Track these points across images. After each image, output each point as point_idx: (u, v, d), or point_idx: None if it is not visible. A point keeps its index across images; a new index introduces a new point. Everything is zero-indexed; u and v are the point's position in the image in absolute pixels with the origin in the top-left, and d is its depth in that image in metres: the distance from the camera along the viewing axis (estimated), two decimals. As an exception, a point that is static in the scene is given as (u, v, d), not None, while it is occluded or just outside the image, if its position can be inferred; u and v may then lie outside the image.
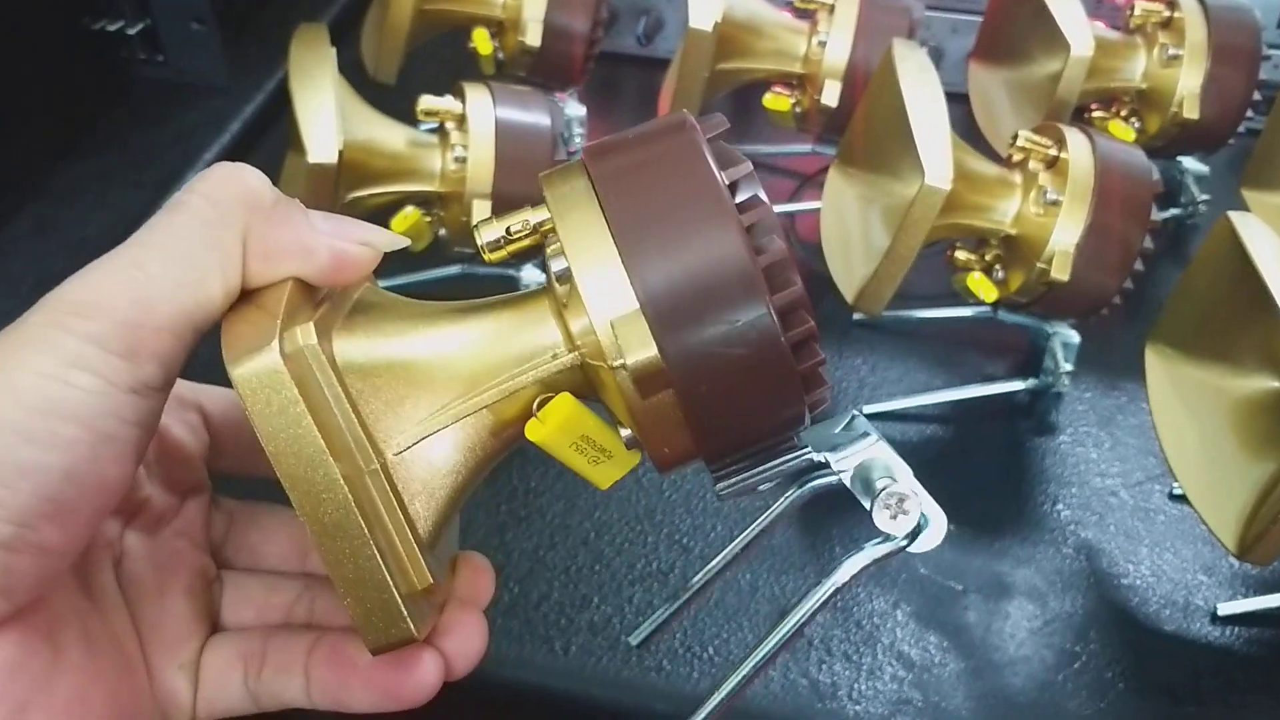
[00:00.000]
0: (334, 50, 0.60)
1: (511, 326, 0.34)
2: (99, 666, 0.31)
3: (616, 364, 0.32)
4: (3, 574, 0.27)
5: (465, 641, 0.34)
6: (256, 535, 0.38)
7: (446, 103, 0.62)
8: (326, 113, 0.57)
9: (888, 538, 0.40)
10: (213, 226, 0.31)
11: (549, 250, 0.33)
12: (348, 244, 0.33)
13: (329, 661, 0.34)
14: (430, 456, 0.33)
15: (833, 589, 0.40)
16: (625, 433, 0.34)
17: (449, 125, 0.62)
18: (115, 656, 0.32)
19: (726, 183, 0.32)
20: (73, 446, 0.28)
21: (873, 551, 0.40)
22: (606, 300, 0.32)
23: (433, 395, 0.33)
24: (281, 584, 0.37)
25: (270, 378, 0.29)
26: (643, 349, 0.32)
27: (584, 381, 0.34)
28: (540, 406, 0.34)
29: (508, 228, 0.34)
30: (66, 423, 0.27)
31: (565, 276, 0.32)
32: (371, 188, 0.61)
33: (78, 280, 0.29)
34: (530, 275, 0.66)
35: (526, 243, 0.34)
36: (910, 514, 0.40)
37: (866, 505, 0.41)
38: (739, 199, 0.32)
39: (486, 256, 0.34)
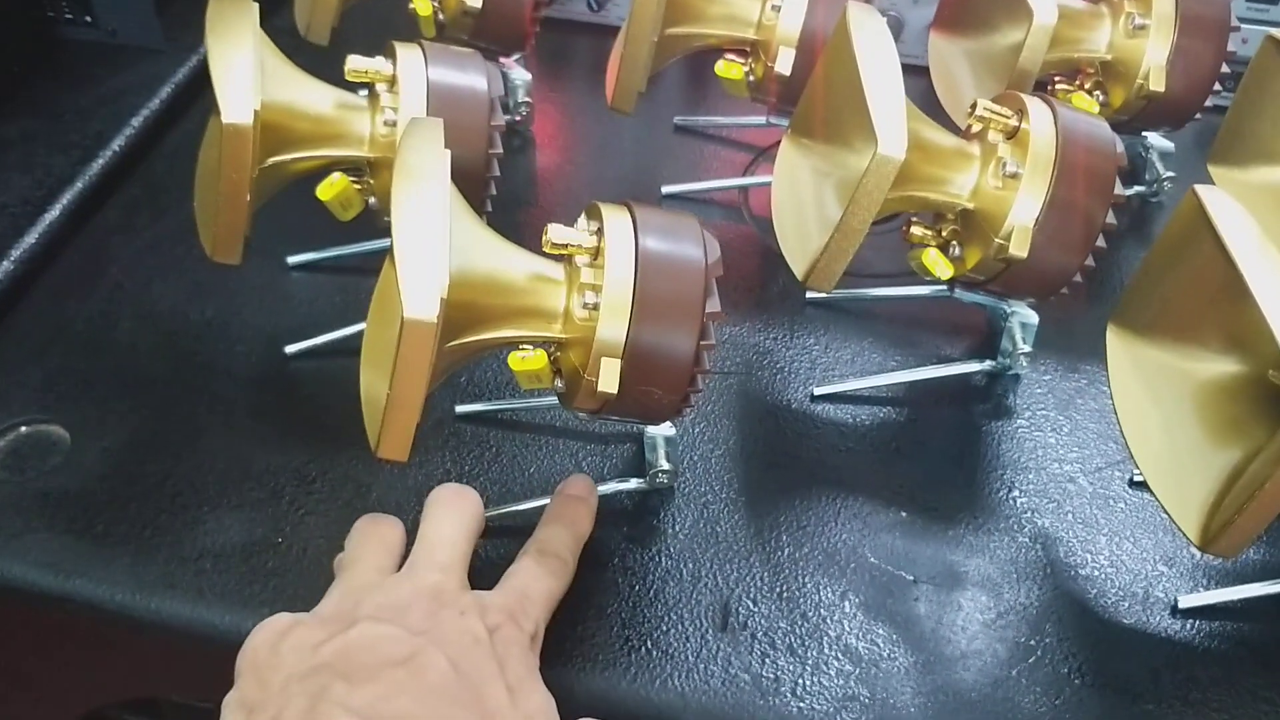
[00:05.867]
0: (256, 5, 0.57)
1: (535, 292, 0.51)
2: None
3: (590, 379, 0.50)
4: None
5: None
6: None
7: (376, 63, 0.59)
8: (243, 70, 0.54)
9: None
10: None
11: (585, 272, 0.50)
12: None
13: None
14: (453, 359, 0.49)
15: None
16: (558, 384, 0.53)
17: (379, 87, 0.59)
18: None
19: (705, 312, 0.50)
20: None
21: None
22: (608, 346, 0.50)
23: (484, 323, 0.50)
24: None
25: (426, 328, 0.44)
26: (610, 386, 0.50)
27: (556, 346, 0.52)
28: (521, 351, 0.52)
29: (575, 243, 0.51)
30: None
31: (592, 307, 0.50)
32: (293, 152, 0.57)
33: None
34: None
35: (584, 254, 0.51)
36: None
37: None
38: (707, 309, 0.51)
39: (548, 250, 0.51)
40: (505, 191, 0.62)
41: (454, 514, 0.52)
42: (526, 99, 0.80)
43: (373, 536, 0.52)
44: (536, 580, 0.51)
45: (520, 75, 0.80)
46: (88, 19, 0.86)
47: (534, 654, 0.49)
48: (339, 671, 0.44)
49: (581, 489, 0.56)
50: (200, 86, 0.84)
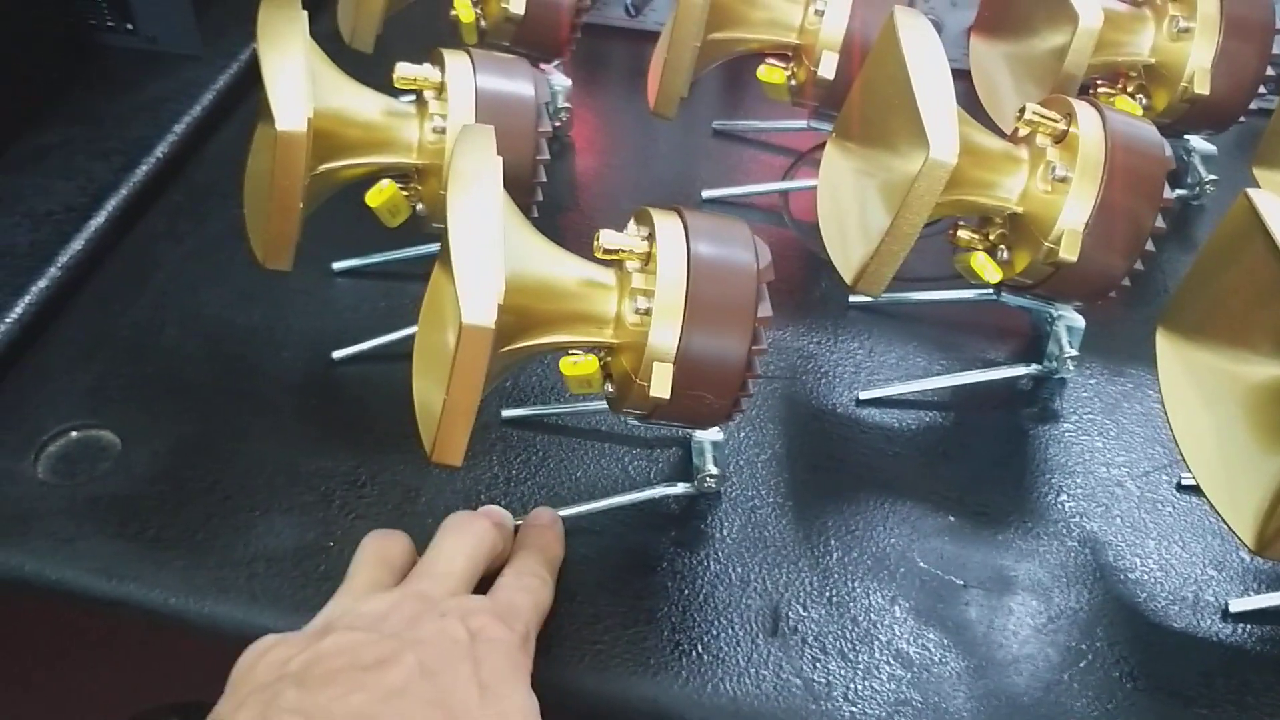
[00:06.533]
0: (305, 13, 0.57)
1: (586, 297, 0.51)
2: None
3: (641, 383, 0.50)
4: None
5: None
6: None
7: (424, 70, 0.59)
8: (295, 78, 0.54)
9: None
10: None
11: (636, 277, 0.51)
12: None
13: None
14: (506, 363, 0.50)
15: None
16: (608, 388, 0.53)
17: (428, 94, 0.59)
18: None
19: (756, 316, 0.51)
20: None
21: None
22: (660, 351, 0.50)
23: (537, 328, 0.50)
24: None
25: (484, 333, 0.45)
26: (662, 391, 0.50)
27: (607, 351, 0.52)
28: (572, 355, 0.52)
29: (626, 249, 0.51)
30: None
31: (644, 312, 0.50)
32: (344, 159, 0.57)
33: None
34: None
35: (635, 259, 0.51)
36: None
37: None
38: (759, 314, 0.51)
39: (599, 255, 0.51)
40: (546, 196, 0.63)
41: (457, 535, 0.53)
42: (566, 104, 0.80)
43: (373, 551, 0.53)
44: (520, 591, 0.51)
45: (559, 81, 0.80)
46: (128, 27, 0.87)
47: (524, 655, 0.48)
48: (297, 679, 0.44)
49: (546, 518, 0.57)
50: (241, 93, 0.85)
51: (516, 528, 0.56)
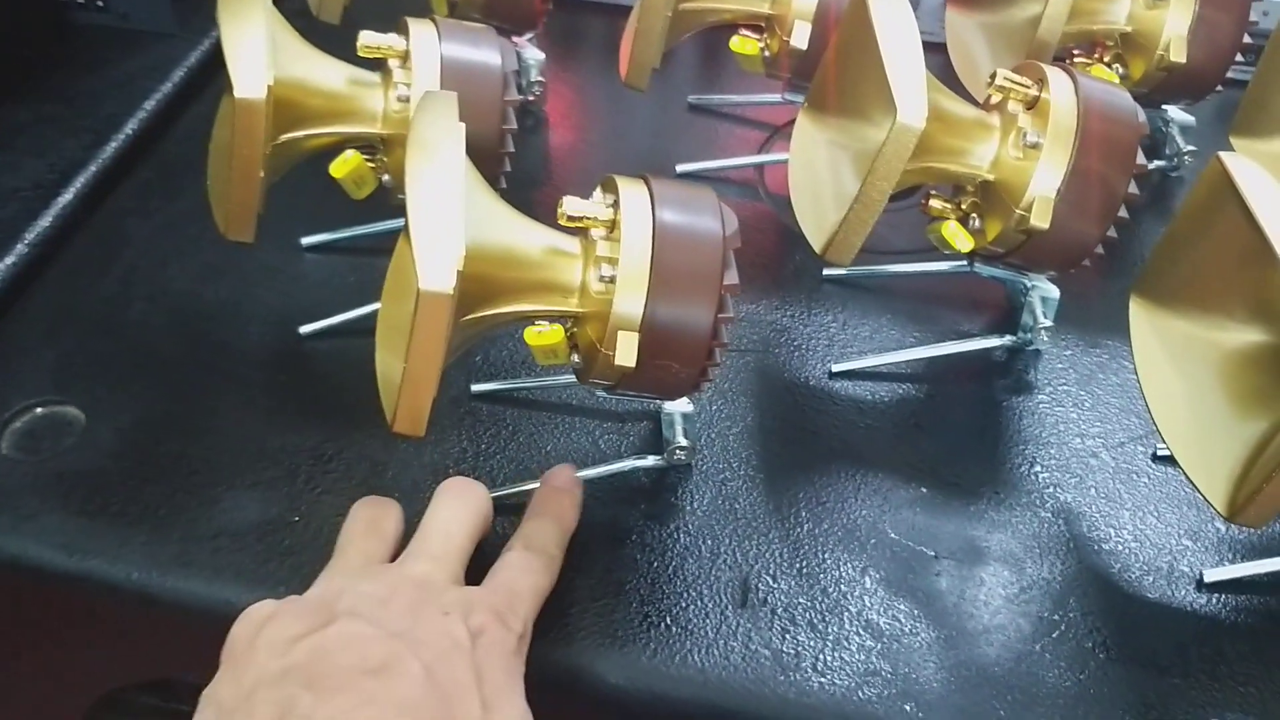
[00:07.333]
0: (268, -19, 0.56)
1: (550, 266, 0.50)
2: None
3: (607, 353, 0.49)
4: None
5: None
6: None
7: (389, 39, 0.58)
8: (256, 47, 0.53)
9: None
10: None
11: (601, 245, 0.50)
12: None
13: None
14: (469, 333, 0.48)
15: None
16: (574, 359, 0.52)
17: (392, 63, 0.58)
18: None
19: (722, 284, 0.50)
20: None
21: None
22: (624, 320, 0.49)
23: (500, 297, 0.49)
24: None
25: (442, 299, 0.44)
26: (627, 360, 0.49)
27: (572, 321, 0.51)
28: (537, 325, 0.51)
29: (590, 216, 0.50)
30: None
31: (608, 280, 0.49)
32: (307, 128, 0.57)
33: None
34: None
35: (599, 227, 0.50)
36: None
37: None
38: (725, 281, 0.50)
39: (563, 223, 0.50)
40: (519, 171, 0.62)
41: (455, 507, 0.52)
42: (539, 78, 0.80)
43: (366, 521, 0.52)
44: (525, 575, 0.50)
45: (533, 54, 0.79)
46: (99, 3, 0.86)
47: (520, 657, 0.47)
48: (307, 679, 0.43)
49: (566, 481, 0.56)
50: (212, 70, 0.84)
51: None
